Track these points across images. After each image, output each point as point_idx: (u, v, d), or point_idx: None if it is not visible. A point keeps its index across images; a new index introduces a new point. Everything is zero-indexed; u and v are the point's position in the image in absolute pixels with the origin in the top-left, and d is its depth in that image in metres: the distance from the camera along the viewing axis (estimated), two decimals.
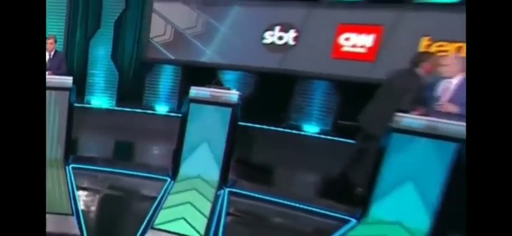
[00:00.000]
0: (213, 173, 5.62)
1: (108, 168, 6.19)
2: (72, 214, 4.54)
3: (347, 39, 7.57)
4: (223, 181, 5.63)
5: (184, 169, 5.73)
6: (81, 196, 5.28)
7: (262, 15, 8.33)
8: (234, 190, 5.64)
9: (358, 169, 5.85)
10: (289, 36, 8.07)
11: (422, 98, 5.18)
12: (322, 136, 8.00)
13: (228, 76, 8.70)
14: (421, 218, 4.56)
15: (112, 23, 9.38)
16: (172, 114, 8.76)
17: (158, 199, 5.18)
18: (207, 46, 8.77)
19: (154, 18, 9.18)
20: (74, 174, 5.68)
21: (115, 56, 9.50)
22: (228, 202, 5.40)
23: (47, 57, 6.86)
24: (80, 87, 8.68)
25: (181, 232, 4.40)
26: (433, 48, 6.73)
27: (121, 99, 9.47)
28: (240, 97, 5.84)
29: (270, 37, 8.22)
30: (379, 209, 4.80)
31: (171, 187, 5.42)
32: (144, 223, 4.64)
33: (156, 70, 9.50)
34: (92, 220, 4.86)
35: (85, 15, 9.38)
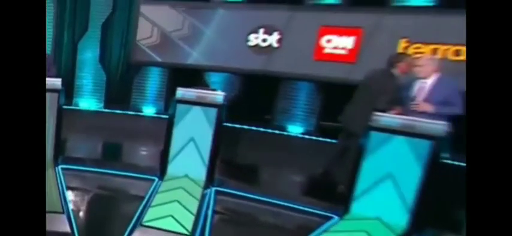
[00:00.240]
0: (200, 172, 5.66)
1: (97, 168, 6.19)
2: (64, 213, 4.59)
3: (329, 41, 7.65)
4: (209, 181, 5.67)
5: (172, 169, 5.77)
6: (71, 196, 5.32)
7: (247, 17, 8.38)
8: (220, 189, 5.68)
9: (340, 168, 5.93)
10: (273, 39, 8.13)
11: (398, 97, 5.30)
12: (306, 136, 8.07)
13: (214, 78, 8.76)
14: (399, 214, 4.68)
15: (99, 26, 9.36)
16: (160, 116, 8.73)
17: (146, 198, 5.21)
18: (194, 48, 8.80)
19: (141, 21, 9.19)
20: (63, 175, 5.69)
21: (103, 58, 9.48)
22: (214, 200, 5.43)
23: None
24: (68, 90, 8.65)
25: (170, 229, 4.46)
26: (410, 50, 6.86)
27: (109, 101, 9.45)
28: (226, 99, 5.87)
29: (255, 39, 8.27)
30: (359, 205, 4.92)
31: (159, 187, 5.45)
32: (133, 221, 4.70)
33: (143, 72, 9.49)
34: (82, 219, 4.91)
35: (72, 18, 9.36)
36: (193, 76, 8.26)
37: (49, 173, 5.51)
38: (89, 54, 9.45)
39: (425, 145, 4.62)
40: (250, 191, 5.72)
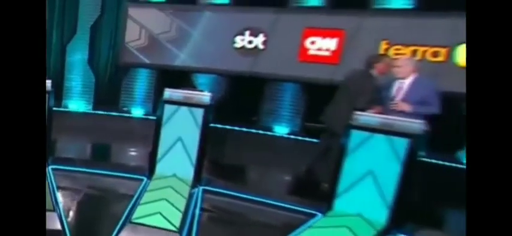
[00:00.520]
0: (188, 171, 5.71)
1: (87, 169, 6.22)
2: (55, 211, 4.62)
3: (313, 42, 7.75)
4: (197, 180, 5.72)
5: (160, 168, 5.82)
6: (62, 195, 5.33)
7: (233, 20, 8.46)
8: (208, 188, 5.73)
9: (323, 166, 6.00)
10: (259, 40, 8.22)
11: (378, 97, 5.43)
12: (292, 136, 8.15)
13: (201, 79, 8.83)
14: (379, 210, 4.78)
15: (88, 28, 9.39)
16: (148, 117, 8.78)
17: (135, 197, 5.26)
18: (181, 50, 8.87)
19: (129, 24, 9.26)
20: (54, 175, 5.72)
21: (91, 60, 9.51)
22: (202, 199, 5.47)
23: None
24: (58, 92, 8.76)
25: (158, 225, 4.51)
26: (391, 51, 7.00)
27: (98, 103, 9.48)
28: (213, 99, 5.91)
29: (241, 41, 8.36)
30: (341, 202, 5.00)
31: (148, 186, 5.48)
32: (123, 219, 4.76)
33: (131, 74, 9.54)
34: (73, 218, 4.95)
35: (61, 21, 9.41)
36: (181, 78, 8.30)
37: None
38: (77, 56, 9.48)
39: (403, 143, 4.71)
40: (238, 190, 5.79)
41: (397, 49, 7.06)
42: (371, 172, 4.88)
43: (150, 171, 5.88)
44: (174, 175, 5.70)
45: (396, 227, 4.76)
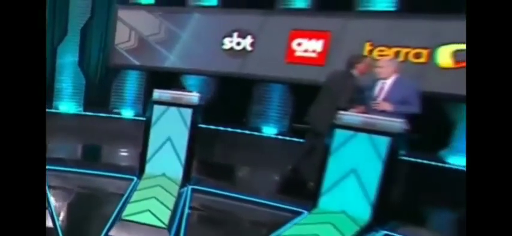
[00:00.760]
0: (177, 171, 5.76)
1: (78, 169, 6.25)
2: (46, 209, 4.64)
3: (299, 44, 7.82)
4: (186, 179, 5.77)
5: (150, 168, 5.87)
6: (54, 195, 5.37)
7: (221, 22, 8.52)
8: (197, 187, 5.76)
9: (308, 165, 6.07)
10: (247, 42, 8.26)
11: (360, 97, 5.53)
12: (280, 137, 8.21)
13: (191, 80, 8.88)
14: (363, 207, 4.87)
15: (78, 30, 9.44)
16: (138, 118, 8.77)
17: (125, 196, 5.31)
18: (170, 52, 8.91)
19: (119, 26, 9.28)
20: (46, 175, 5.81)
21: (82, 62, 9.55)
22: (191, 198, 5.52)
23: None
24: (48, 93, 8.84)
25: (147, 222, 4.61)
26: (375, 53, 7.10)
27: (88, 104, 9.50)
28: (202, 101, 5.98)
29: (229, 43, 8.41)
30: (326, 200, 5.08)
31: (138, 185, 5.53)
32: (113, 216, 4.84)
33: (121, 75, 9.56)
34: (64, 216, 5.01)
35: (52, 23, 9.40)
36: (171, 79, 8.32)
37: None
38: (68, 58, 9.51)
39: (384, 141, 4.81)
40: (226, 189, 5.85)
41: (380, 50, 7.15)
42: (354, 170, 4.96)
43: (140, 171, 5.93)
44: (164, 175, 5.75)
45: (379, 223, 4.84)
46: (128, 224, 4.64)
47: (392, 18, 7.23)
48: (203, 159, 6.87)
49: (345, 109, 5.23)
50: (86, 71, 9.65)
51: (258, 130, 8.43)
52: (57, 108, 9.47)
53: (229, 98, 8.47)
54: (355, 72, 5.91)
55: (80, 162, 6.96)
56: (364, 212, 4.88)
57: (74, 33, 9.47)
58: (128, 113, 9.45)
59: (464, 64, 6.55)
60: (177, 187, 5.52)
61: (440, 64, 6.91)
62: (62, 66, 9.53)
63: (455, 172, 6.69)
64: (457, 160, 6.88)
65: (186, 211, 5.24)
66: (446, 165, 6.93)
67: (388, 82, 5.39)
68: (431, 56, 6.95)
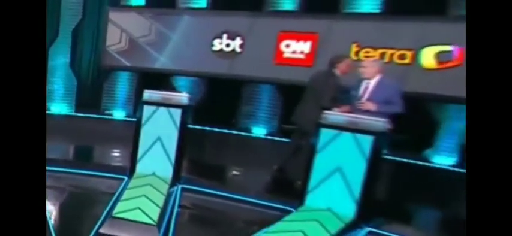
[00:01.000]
0: (167, 170, 5.84)
1: (70, 169, 6.32)
2: None
3: (287, 45, 7.88)
4: (176, 178, 5.84)
5: (140, 167, 5.94)
6: (46, 194, 5.50)
7: (211, 23, 8.56)
8: (186, 186, 5.83)
9: (294, 164, 6.13)
10: (236, 44, 8.30)
11: (344, 96, 5.66)
12: (269, 137, 8.28)
13: (181, 82, 8.93)
14: (348, 204, 4.97)
15: (69, 32, 9.45)
16: (129, 119, 8.79)
17: (116, 194, 5.41)
18: (161, 53, 8.92)
19: (110, 27, 9.29)
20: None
21: (73, 63, 9.57)
22: (181, 197, 5.60)
23: None
24: None
25: (137, 219, 4.71)
26: (361, 54, 7.19)
27: (80, 105, 9.52)
28: (192, 101, 6.04)
29: (219, 44, 8.43)
30: (312, 198, 5.18)
31: (128, 184, 5.62)
32: (104, 214, 4.94)
33: (113, 77, 9.58)
34: (57, 215, 5.11)
35: None
36: (161, 80, 8.39)
37: None
38: (59, 60, 9.52)
39: (368, 140, 4.91)
40: (216, 189, 5.94)
41: (366, 51, 7.23)
42: (339, 168, 5.06)
43: (131, 171, 6.00)
44: (154, 174, 5.83)
45: (363, 220, 4.96)
46: (118, 222, 4.73)
47: (378, 20, 7.33)
48: (193, 159, 6.93)
49: (329, 109, 5.33)
50: (77, 73, 9.67)
51: (247, 130, 8.48)
52: (49, 109, 9.39)
53: (219, 99, 8.52)
54: (336, 71, 6.02)
55: (71, 162, 7.06)
56: (349, 210, 4.97)
57: (65, 35, 9.48)
58: (119, 114, 9.47)
59: (447, 65, 6.73)
60: (167, 186, 5.59)
61: (424, 66, 7.02)
62: (54, 67, 9.50)
63: (438, 170, 6.85)
64: (440, 159, 7.05)
65: (176, 209, 5.32)
66: (429, 164, 7.07)
67: (372, 82, 5.50)
68: (415, 57, 7.05)
